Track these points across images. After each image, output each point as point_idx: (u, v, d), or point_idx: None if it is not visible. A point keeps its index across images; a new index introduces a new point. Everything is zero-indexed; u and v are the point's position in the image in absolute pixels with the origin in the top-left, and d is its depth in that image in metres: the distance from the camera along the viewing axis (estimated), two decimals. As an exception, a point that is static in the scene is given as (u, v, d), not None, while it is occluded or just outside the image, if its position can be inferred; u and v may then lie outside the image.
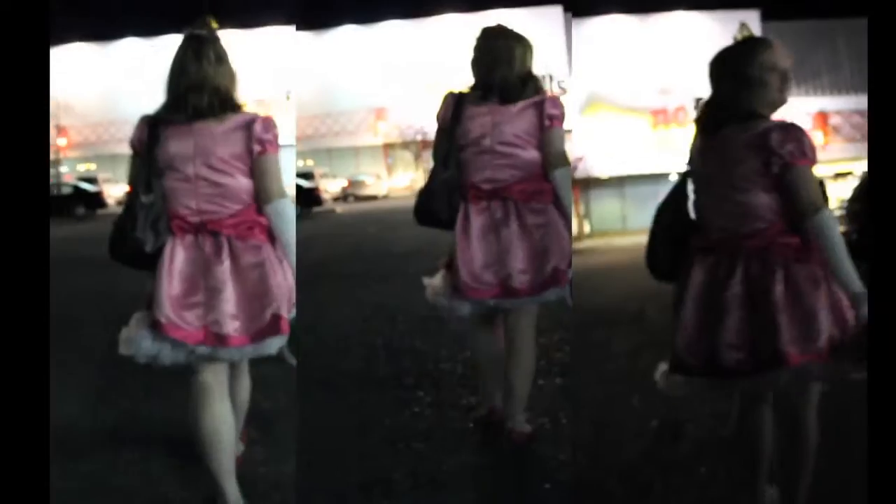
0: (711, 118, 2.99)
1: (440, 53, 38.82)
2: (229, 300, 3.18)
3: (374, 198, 37.91)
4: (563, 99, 3.79)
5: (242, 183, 3.24)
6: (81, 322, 7.75)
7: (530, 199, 3.61)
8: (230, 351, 3.21)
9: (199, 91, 3.19)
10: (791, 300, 2.82)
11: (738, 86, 2.91)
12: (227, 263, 3.20)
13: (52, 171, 40.94)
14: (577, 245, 24.87)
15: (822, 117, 37.13)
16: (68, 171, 41.69)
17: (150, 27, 40.63)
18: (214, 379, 3.27)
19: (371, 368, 5.44)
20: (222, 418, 3.27)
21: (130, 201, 3.26)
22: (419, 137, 40.14)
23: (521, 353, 3.77)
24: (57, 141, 41.72)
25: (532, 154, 3.60)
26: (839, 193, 15.13)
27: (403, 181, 41.04)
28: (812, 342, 2.79)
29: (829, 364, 2.82)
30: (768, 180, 2.82)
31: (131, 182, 3.32)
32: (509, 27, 3.71)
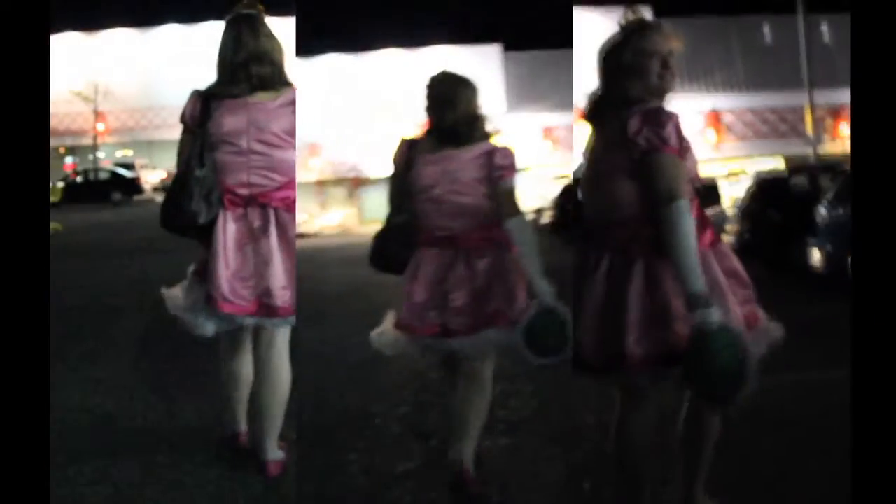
0: (593, 109, 2.95)
1: (377, 89, 40.24)
2: (278, 271, 3.41)
3: (303, 236, 37.22)
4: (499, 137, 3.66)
5: (292, 157, 3.47)
6: (119, 309, 7.96)
7: (481, 246, 3.50)
8: (273, 321, 3.47)
9: (260, 62, 3.40)
10: (646, 298, 2.73)
11: (615, 74, 2.86)
12: (274, 236, 3.43)
13: (89, 156, 40.94)
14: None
15: (715, 115, 37.52)
16: (106, 156, 41.73)
17: (190, 14, 41.59)
18: (244, 338, 3.68)
19: (296, 423, 4.69)
20: (244, 369, 3.72)
21: (183, 174, 3.40)
22: (352, 174, 40.34)
23: (471, 399, 3.56)
24: (95, 126, 41.69)
25: (481, 202, 3.49)
26: (732, 192, 14.93)
27: (335, 219, 40.71)
28: (659, 345, 2.70)
29: (671, 370, 2.71)
30: (631, 168, 2.74)
31: (181, 156, 3.46)
32: (454, 72, 3.65)
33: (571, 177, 27.15)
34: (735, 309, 2.79)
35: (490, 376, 3.61)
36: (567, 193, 21.85)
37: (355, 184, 40.61)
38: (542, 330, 3.24)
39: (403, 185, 3.59)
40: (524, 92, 40.92)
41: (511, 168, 3.47)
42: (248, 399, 3.77)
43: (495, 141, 3.57)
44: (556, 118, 40.07)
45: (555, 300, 3.26)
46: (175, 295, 3.62)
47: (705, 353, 2.54)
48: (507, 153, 3.49)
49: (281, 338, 3.60)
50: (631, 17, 2.91)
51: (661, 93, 2.84)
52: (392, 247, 3.59)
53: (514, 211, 3.44)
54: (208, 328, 3.55)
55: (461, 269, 3.47)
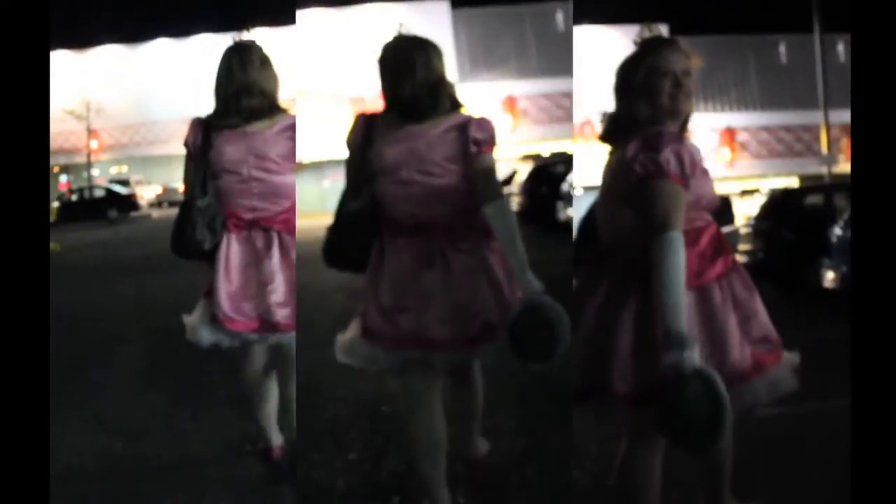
0: (607, 129, 2.82)
1: (299, 56, 32.17)
2: (279, 290, 3.48)
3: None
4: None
5: (292, 181, 3.55)
6: (122, 336, 7.55)
7: (459, 237, 3.07)
8: (276, 336, 3.56)
9: (249, 94, 3.44)
10: (637, 332, 2.58)
11: (627, 94, 2.73)
12: (276, 257, 3.50)
13: (83, 174, 41.23)
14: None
15: (730, 133, 37.45)
16: (100, 173, 41.96)
17: (180, 28, 41.25)
18: (261, 352, 3.76)
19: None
20: (267, 384, 3.82)
21: (187, 203, 3.49)
22: None
23: (468, 393, 3.59)
24: (89, 143, 41.87)
25: (457, 184, 3.05)
26: (746, 210, 14.80)
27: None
28: (643, 382, 2.54)
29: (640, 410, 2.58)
30: (629, 194, 2.60)
31: (186, 182, 3.55)
32: (408, 33, 3.18)
33: (543, 157, 23.20)
34: (736, 351, 2.63)
35: (479, 369, 3.54)
36: (537, 176, 18.56)
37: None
38: (531, 330, 2.85)
39: (362, 166, 3.12)
40: (479, 56, 35.56)
41: (490, 142, 3.05)
42: (276, 413, 3.89)
43: (467, 111, 3.14)
44: (518, 86, 35.42)
45: (543, 296, 2.88)
46: (194, 319, 3.67)
47: (676, 398, 2.38)
48: (484, 124, 3.06)
49: (292, 349, 3.65)
50: (647, 34, 2.77)
51: (674, 114, 2.69)
52: (349, 239, 3.17)
53: (494, 193, 3.03)
54: (217, 342, 3.62)
55: (438, 268, 3.05)
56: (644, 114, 2.68)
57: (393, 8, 33.12)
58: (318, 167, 32.46)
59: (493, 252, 3.09)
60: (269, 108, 3.50)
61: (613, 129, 2.79)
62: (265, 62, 3.53)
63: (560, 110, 35.47)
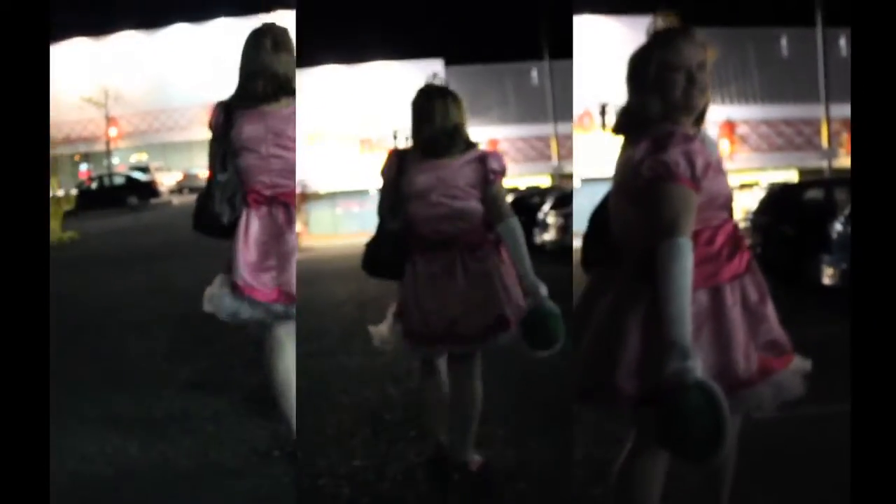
0: (620, 123, 2.70)
1: (320, 105, 38.95)
2: (295, 263, 3.63)
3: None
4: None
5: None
6: (141, 325, 7.41)
7: (475, 248, 3.66)
8: (291, 308, 3.69)
9: (256, 78, 3.61)
10: (644, 334, 2.50)
11: (639, 89, 2.61)
12: (295, 231, 3.64)
13: (103, 162, 41.02)
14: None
15: (729, 126, 37.37)
16: (120, 161, 41.67)
17: (197, 12, 41.83)
18: (287, 335, 3.76)
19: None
20: (293, 368, 3.76)
21: (209, 180, 3.68)
22: (300, 190, 40.09)
23: (468, 394, 3.78)
24: (108, 131, 41.55)
25: (475, 206, 3.64)
26: (745, 204, 14.67)
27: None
28: (648, 385, 2.46)
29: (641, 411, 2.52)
30: (637, 196, 2.51)
31: (210, 165, 3.71)
32: (436, 84, 3.80)
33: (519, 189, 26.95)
34: (742, 355, 2.54)
35: (479, 372, 3.77)
36: (515, 206, 20.44)
37: (302, 199, 39.80)
38: (539, 325, 3.51)
39: (396, 192, 3.69)
40: (467, 106, 40.85)
41: (503, 172, 3.65)
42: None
43: (482, 147, 3.72)
44: (500, 131, 41.64)
45: (546, 298, 3.53)
46: (213, 289, 3.75)
47: (675, 409, 2.29)
48: (499, 158, 3.69)
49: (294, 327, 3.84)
50: (660, 24, 2.63)
51: (687, 109, 2.57)
52: (386, 252, 3.71)
53: (507, 213, 3.62)
54: (235, 312, 3.67)
55: (460, 274, 3.62)
56: (656, 109, 2.56)
57: (395, 65, 39.19)
58: (331, 197, 40.56)
59: (502, 259, 3.66)
60: (280, 90, 3.62)
61: (626, 123, 2.68)
62: (279, 46, 3.65)
63: (534, 151, 42.57)
